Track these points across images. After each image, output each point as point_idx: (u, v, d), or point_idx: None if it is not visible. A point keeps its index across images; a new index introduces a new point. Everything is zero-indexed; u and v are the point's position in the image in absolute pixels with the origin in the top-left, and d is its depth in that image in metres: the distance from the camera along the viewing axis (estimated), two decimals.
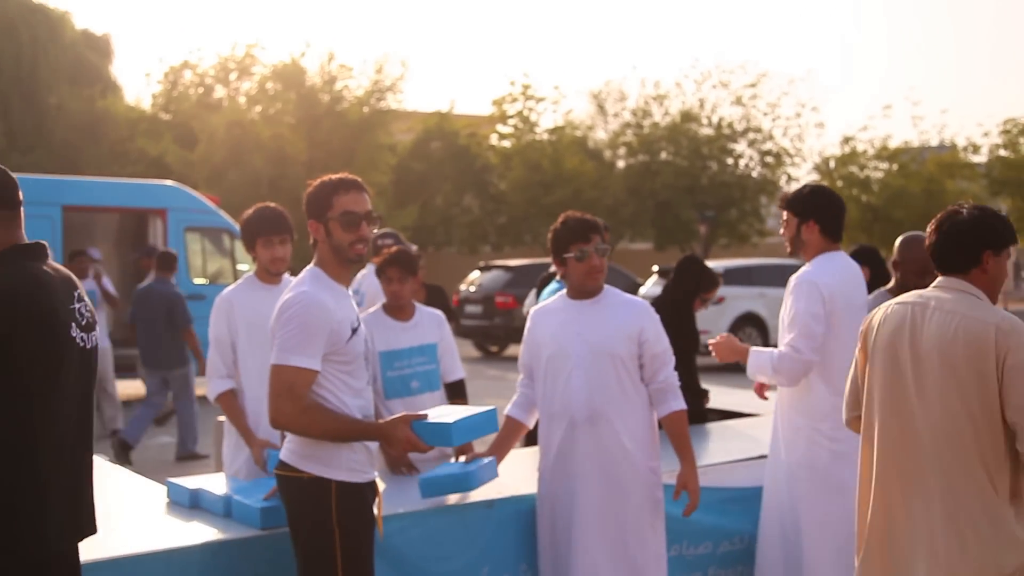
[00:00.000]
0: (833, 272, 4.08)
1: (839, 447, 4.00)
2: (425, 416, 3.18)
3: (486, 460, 3.94)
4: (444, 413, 3.31)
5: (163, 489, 3.96)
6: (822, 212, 4.13)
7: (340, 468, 3.10)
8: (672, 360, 3.91)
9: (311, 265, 3.23)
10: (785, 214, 4.20)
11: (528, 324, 4.00)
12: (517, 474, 4.31)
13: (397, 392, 4.49)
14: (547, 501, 3.87)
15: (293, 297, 3.10)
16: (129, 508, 3.85)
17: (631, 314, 3.84)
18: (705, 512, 4.33)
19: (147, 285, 9.57)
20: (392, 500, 3.87)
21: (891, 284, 4.74)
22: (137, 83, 45.50)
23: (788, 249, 4.25)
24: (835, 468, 4.02)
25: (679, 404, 3.83)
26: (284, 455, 3.15)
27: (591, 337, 3.78)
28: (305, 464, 3.08)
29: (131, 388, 14.04)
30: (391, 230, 7.47)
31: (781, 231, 4.25)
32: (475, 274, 19.37)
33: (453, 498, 3.96)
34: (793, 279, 4.13)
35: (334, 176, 3.26)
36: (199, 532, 3.47)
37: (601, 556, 3.71)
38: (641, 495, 3.80)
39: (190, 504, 3.75)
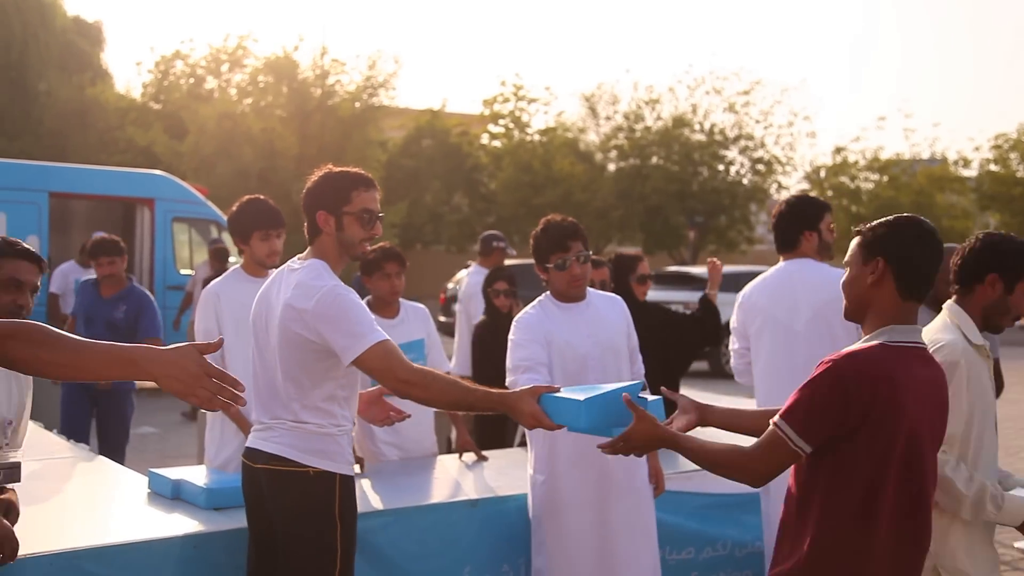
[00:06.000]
0: (755, 284, 4.34)
1: None
2: (557, 389, 2.92)
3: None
4: (580, 389, 2.94)
5: (145, 480, 3.93)
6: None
7: (343, 462, 3.09)
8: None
9: (312, 258, 3.13)
10: None
11: (515, 335, 3.73)
12: (502, 474, 4.30)
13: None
14: (562, 502, 3.72)
15: (334, 288, 3.00)
16: (111, 498, 3.83)
17: (618, 309, 3.91)
18: (688, 518, 4.33)
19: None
20: (374, 497, 3.85)
21: None
22: (128, 72, 45.45)
23: None
24: None
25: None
26: (277, 449, 3.07)
27: (600, 336, 3.77)
28: (309, 459, 3.04)
29: None
30: (496, 232, 7.87)
31: None
32: (462, 273, 19.34)
33: (436, 497, 3.94)
34: None
35: (349, 169, 3.19)
36: (180, 523, 3.44)
37: (636, 545, 3.76)
38: (647, 486, 3.86)
39: (172, 495, 3.73)
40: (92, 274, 10.89)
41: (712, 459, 2.51)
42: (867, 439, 2.36)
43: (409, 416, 3.46)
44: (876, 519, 2.40)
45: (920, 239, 2.46)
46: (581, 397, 2.73)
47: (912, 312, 2.47)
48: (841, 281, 2.58)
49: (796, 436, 2.39)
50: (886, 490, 2.39)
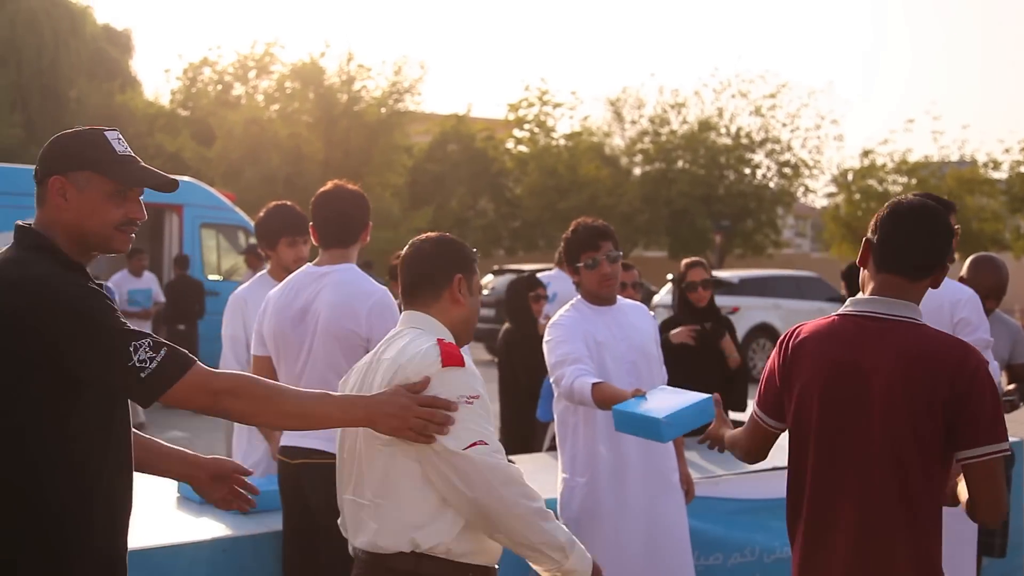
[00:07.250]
0: None
1: None
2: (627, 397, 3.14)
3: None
4: (654, 399, 3.13)
5: (174, 484, 3.95)
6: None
7: None
8: None
9: (344, 262, 3.41)
10: None
11: (554, 334, 3.72)
12: (530, 479, 4.28)
13: None
14: (605, 505, 3.70)
15: (387, 292, 3.33)
16: (141, 502, 3.84)
17: (646, 316, 3.94)
18: (716, 523, 4.31)
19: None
20: None
21: None
22: (156, 79, 45.90)
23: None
24: None
25: None
26: (317, 444, 3.13)
27: (634, 340, 3.77)
28: None
29: None
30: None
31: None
32: (488, 277, 19.37)
33: None
34: None
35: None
36: (210, 527, 3.46)
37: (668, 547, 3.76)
38: (680, 492, 3.86)
39: (201, 499, 3.74)
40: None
41: (731, 443, 2.83)
42: (787, 399, 2.58)
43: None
44: (802, 481, 2.56)
45: (888, 216, 2.62)
46: (660, 415, 3.05)
47: (885, 283, 2.56)
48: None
49: (757, 409, 2.66)
50: (807, 454, 2.53)
